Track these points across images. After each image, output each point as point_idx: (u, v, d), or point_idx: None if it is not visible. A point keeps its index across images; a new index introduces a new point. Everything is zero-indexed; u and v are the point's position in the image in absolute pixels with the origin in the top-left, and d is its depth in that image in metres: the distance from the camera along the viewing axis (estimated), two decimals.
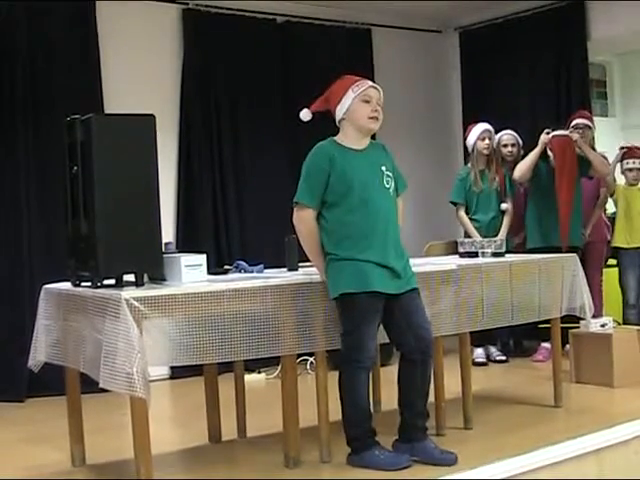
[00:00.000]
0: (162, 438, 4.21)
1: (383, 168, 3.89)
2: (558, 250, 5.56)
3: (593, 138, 6.53)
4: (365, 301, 3.74)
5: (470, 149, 6.36)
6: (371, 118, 3.84)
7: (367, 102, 3.84)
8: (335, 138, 3.92)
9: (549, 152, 6.11)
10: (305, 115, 4.03)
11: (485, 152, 6.26)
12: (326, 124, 3.99)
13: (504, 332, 6.15)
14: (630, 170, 6.35)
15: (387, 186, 3.89)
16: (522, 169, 6.16)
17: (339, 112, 3.88)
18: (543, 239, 6.13)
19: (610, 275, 6.63)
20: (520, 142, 6.56)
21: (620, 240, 6.33)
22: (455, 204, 6.32)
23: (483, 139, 6.25)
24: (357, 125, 3.86)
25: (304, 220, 3.84)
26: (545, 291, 4.73)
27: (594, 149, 6.29)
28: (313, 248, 3.86)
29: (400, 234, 3.95)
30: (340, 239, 3.80)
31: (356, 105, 3.84)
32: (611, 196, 6.49)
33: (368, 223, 3.78)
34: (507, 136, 6.54)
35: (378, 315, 3.80)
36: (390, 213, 3.89)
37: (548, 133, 6.11)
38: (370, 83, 3.90)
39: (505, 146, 6.51)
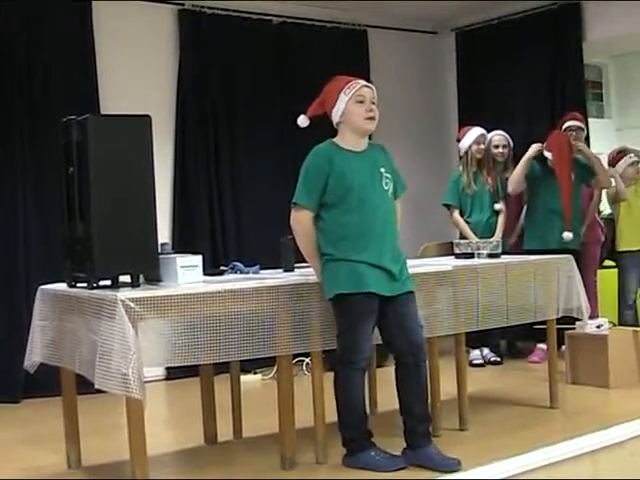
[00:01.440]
0: (158, 439, 4.20)
1: (382, 170, 3.88)
2: (555, 252, 5.57)
3: (587, 139, 6.56)
4: (360, 302, 3.74)
5: (463, 152, 6.33)
6: (367, 119, 3.83)
7: (361, 102, 3.82)
8: (334, 140, 3.90)
9: (545, 153, 6.10)
10: (303, 122, 4.00)
11: (478, 156, 6.26)
12: (323, 125, 3.99)
13: (496, 334, 6.15)
14: (632, 164, 6.37)
15: (386, 188, 3.88)
16: (514, 182, 6.16)
17: (335, 116, 3.87)
18: (540, 241, 6.12)
19: (605, 276, 6.64)
20: (511, 143, 6.56)
21: (625, 244, 6.34)
22: (449, 207, 6.31)
23: (478, 143, 6.24)
24: (354, 127, 3.85)
25: (301, 221, 3.84)
26: (541, 292, 4.74)
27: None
28: (309, 249, 3.86)
29: (398, 236, 3.94)
30: (336, 239, 3.79)
31: (350, 107, 3.82)
32: (616, 202, 6.47)
33: (365, 224, 3.78)
34: (498, 137, 6.53)
35: (373, 316, 3.79)
36: (388, 215, 3.88)
37: (538, 150, 6.13)
38: (362, 82, 3.87)
39: (497, 147, 6.51)
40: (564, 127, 6.29)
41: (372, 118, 3.84)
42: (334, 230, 3.81)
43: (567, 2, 7.13)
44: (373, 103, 3.85)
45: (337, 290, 3.75)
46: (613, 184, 6.42)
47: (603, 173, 6.15)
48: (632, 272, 6.31)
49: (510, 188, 6.20)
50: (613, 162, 6.47)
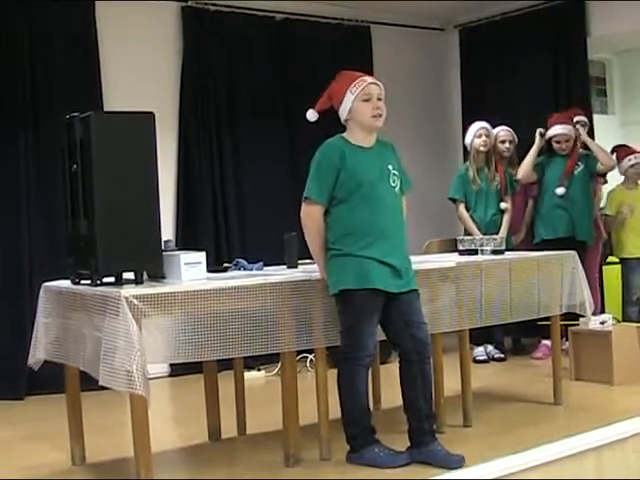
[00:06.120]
0: (162, 436, 4.21)
1: (390, 167, 3.88)
2: (565, 241, 5.68)
3: (589, 134, 6.56)
4: (365, 298, 3.73)
5: (469, 147, 6.35)
6: (374, 116, 3.82)
7: (367, 100, 3.81)
8: (343, 135, 3.89)
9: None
10: (311, 116, 3.99)
11: (482, 149, 6.23)
12: (325, 121, 3.99)
13: (500, 330, 6.15)
14: (632, 166, 6.39)
15: (393, 185, 3.88)
16: (525, 170, 6.24)
17: (342, 114, 3.87)
18: (550, 232, 6.15)
19: (609, 273, 6.64)
20: (516, 139, 6.57)
21: (626, 252, 6.35)
22: (454, 200, 6.31)
23: (480, 136, 6.22)
24: (362, 125, 3.85)
25: (312, 216, 3.83)
26: (544, 288, 4.73)
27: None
28: (317, 244, 3.85)
29: (406, 233, 3.94)
30: (343, 234, 3.79)
31: (357, 106, 3.81)
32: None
33: (373, 220, 3.77)
34: (504, 132, 6.53)
35: (377, 313, 3.79)
36: (395, 211, 3.88)
37: (542, 134, 6.22)
38: (368, 80, 3.86)
39: (503, 142, 6.50)
40: None
41: (379, 115, 3.83)
42: (341, 225, 3.80)
43: None
44: (380, 100, 3.84)
45: (342, 285, 3.75)
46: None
47: (601, 153, 6.19)
48: (636, 270, 6.31)
49: (520, 175, 6.27)
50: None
